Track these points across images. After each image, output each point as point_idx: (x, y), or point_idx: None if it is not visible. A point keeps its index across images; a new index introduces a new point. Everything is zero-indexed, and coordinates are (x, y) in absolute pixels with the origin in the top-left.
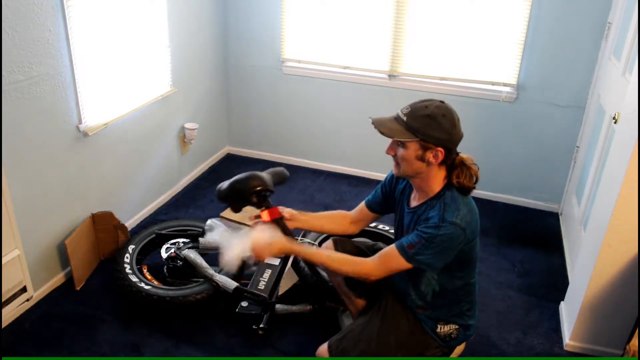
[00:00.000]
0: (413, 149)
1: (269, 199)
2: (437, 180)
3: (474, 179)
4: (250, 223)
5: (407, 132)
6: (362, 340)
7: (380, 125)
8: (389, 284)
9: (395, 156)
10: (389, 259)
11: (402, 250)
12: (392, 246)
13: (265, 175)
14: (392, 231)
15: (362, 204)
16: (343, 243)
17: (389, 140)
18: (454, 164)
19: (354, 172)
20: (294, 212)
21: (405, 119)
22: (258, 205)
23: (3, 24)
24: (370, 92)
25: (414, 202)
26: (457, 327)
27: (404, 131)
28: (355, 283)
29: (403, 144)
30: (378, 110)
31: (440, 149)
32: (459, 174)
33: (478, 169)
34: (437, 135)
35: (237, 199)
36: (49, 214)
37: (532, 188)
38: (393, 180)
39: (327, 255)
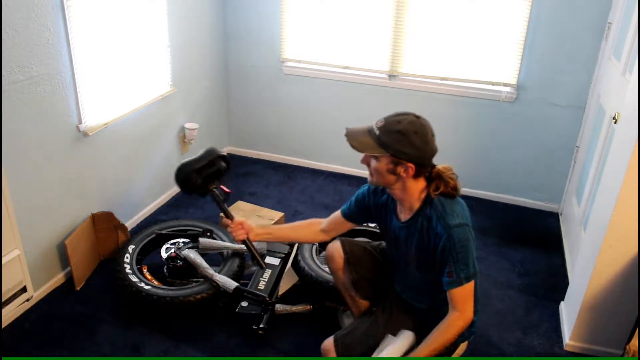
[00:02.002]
0: (385, 162)
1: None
2: (415, 190)
3: (454, 189)
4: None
5: (378, 147)
6: (369, 337)
7: (353, 138)
8: (392, 288)
9: (369, 166)
10: (462, 299)
11: (453, 284)
12: (448, 291)
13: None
14: None
15: (338, 213)
16: (350, 243)
17: None
18: (431, 176)
19: (354, 172)
20: (253, 227)
21: (377, 132)
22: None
23: (3, 24)
24: (370, 92)
25: (403, 215)
26: None
27: (375, 146)
28: (362, 285)
29: (376, 157)
30: (378, 110)
31: (410, 164)
32: (438, 186)
33: (457, 177)
34: (407, 151)
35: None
36: (49, 214)
37: (532, 188)
38: (371, 193)
39: (428, 350)
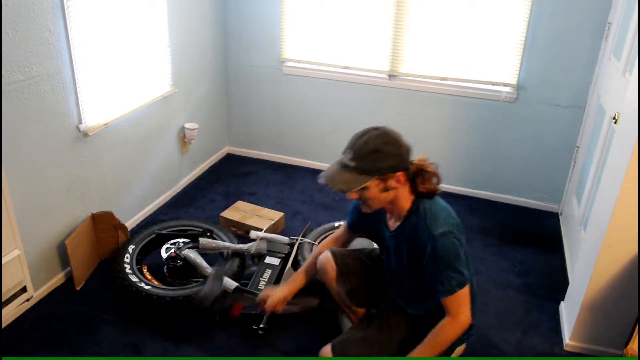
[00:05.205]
0: (374, 186)
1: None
2: (405, 197)
3: (436, 179)
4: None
5: (362, 176)
6: (365, 344)
7: (334, 183)
8: (387, 294)
9: (360, 198)
10: (456, 305)
11: (445, 292)
12: (441, 299)
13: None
14: None
15: (345, 229)
16: (341, 254)
17: None
18: (413, 174)
19: None
20: (286, 293)
21: (353, 164)
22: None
23: (3, 24)
24: (370, 92)
25: (392, 224)
26: None
27: (358, 177)
28: (356, 294)
29: (363, 188)
30: (378, 110)
31: (398, 173)
32: (423, 181)
33: (436, 165)
34: (390, 163)
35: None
36: (49, 214)
37: (532, 188)
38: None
39: (421, 354)
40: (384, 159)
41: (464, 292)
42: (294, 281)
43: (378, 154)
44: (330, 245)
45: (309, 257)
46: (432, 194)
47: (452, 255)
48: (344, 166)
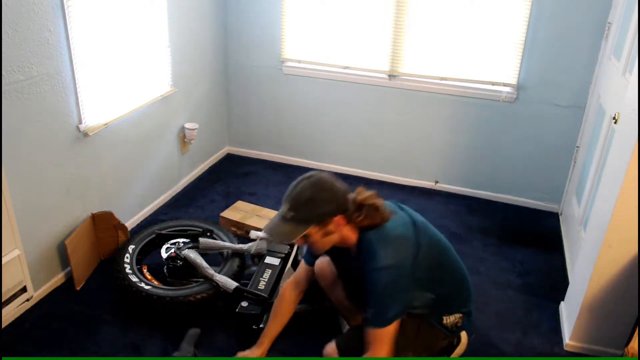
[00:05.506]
0: (315, 233)
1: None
2: (349, 235)
3: (379, 210)
4: None
5: (301, 225)
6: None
7: (275, 236)
8: None
9: (305, 244)
10: (378, 340)
11: (379, 323)
12: (369, 330)
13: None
14: None
15: (304, 267)
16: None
17: (387, 142)
18: (354, 211)
19: (354, 172)
20: (257, 356)
21: (291, 214)
22: None
23: (3, 24)
24: (370, 92)
25: (355, 254)
26: (461, 315)
27: (296, 228)
28: (355, 296)
29: (304, 235)
30: (378, 110)
31: (336, 217)
32: (360, 215)
33: (375, 195)
34: (327, 209)
35: None
36: (49, 214)
37: (532, 188)
38: None
39: None
40: (320, 206)
41: (389, 330)
42: (264, 341)
43: (314, 202)
44: (291, 291)
45: (272, 311)
46: (376, 225)
47: (387, 290)
48: (282, 218)
